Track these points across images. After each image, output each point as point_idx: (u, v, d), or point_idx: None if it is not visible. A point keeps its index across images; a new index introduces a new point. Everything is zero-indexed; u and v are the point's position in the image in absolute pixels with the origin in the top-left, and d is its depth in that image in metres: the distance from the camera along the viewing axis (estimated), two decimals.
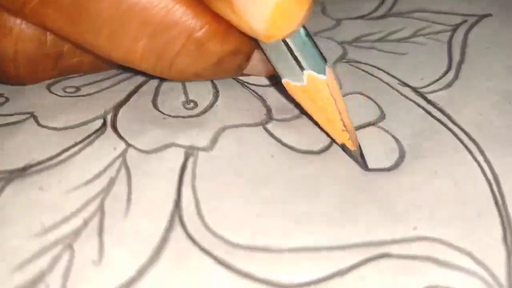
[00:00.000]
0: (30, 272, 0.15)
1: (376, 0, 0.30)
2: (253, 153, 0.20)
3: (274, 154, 0.20)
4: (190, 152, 0.19)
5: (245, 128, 0.21)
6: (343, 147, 0.20)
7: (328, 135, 0.20)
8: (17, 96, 0.22)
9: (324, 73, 0.19)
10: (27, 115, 0.21)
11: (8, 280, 0.15)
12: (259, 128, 0.21)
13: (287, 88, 0.20)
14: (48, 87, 0.23)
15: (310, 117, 0.20)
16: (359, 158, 0.20)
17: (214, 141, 0.20)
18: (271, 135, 0.21)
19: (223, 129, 0.20)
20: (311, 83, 0.19)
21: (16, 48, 0.20)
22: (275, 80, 0.23)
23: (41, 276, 0.15)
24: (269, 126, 0.21)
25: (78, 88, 0.23)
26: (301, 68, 0.19)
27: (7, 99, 0.22)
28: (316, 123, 0.20)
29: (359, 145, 0.20)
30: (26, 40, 0.20)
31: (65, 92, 0.22)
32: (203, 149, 0.20)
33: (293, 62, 0.19)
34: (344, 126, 0.19)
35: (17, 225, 0.16)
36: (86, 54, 0.22)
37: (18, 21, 0.20)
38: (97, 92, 0.22)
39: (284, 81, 0.20)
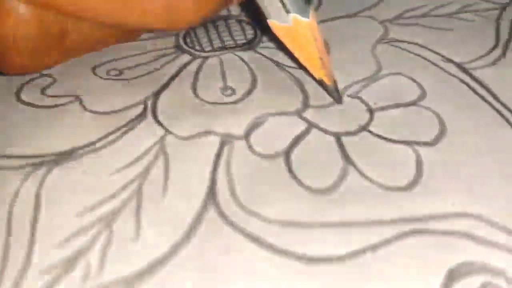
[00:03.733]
0: (72, 248, 0.16)
1: None
2: (287, 140, 0.20)
3: (308, 141, 0.20)
4: (226, 140, 0.20)
5: (282, 116, 0.21)
6: (321, 82, 0.22)
7: (307, 71, 0.22)
8: (63, 77, 0.23)
9: (307, 16, 0.20)
10: (73, 98, 0.22)
11: (51, 255, 0.16)
12: (295, 116, 0.21)
13: (272, 28, 0.21)
14: (93, 69, 0.23)
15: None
16: (334, 92, 0.21)
17: (250, 130, 0.20)
18: (308, 121, 0.21)
19: (259, 118, 0.21)
20: (295, 24, 0.20)
21: (16, 31, 0.19)
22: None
23: (82, 252, 0.16)
24: (306, 113, 0.21)
25: (121, 72, 0.23)
26: (287, 11, 0.20)
27: (54, 80, 0.23)
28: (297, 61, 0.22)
29: (335, 81, 0.21)
30: (27, 21, 0.19)
31: (109, 75, 0.23)
32: (239, 138, 0.20)
33: (280, 5, 0.20)
34: (322, 64, 0.21)
35: (62, 205, 0.17)
36: (91, 29, 0.21)
37: (16, 2, 0.19)
38: (139, 76, 0.23)
39: (270, 21, 0.21)
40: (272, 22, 0.21)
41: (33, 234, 0.17)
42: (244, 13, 0.27)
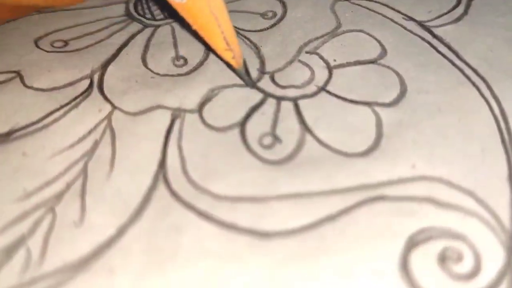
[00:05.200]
0: (11, 236, 0.15)
1: None
2: (241, 112, 0.19)
3: (264, 111, 0.19)
4: (177, 114, 0.19)
5: (235, 88, 0.20)
6: (228, 65, 0.19)
7: (215, 53, 0.20)
8: (3, 50, 0.21)
9: None
10: (13, 74, 0.20)
11: None
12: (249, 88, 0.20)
13: (173, 6, 0.19)
14: (36, 42, 0.22)
15: None
16: (245, 76, 0.19)
17: (203, 103, 0.19)
18: (263, 91, 0.19)
19: (212, 90, 0.20)
20: (191, 0, 0.18)
21: None
22: (270, 24, 0.22)
23: (21, 240, 0.15)
24: (261, 83, 0.20)
25: (66, 43, 0.22)
26: None
27: None
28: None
29: (245, 62, 0.19)
30: None
31: (53, 47, 0.22)
32: (191, 111, 0.19)
33: None
34: (228, 44, 0.18)
35: (0, 190, 0.16)
36: None
37: None
38: (86, 46, 0.22)
39: None
40: None
41: None
42: None
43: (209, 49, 0.20)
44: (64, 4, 0.19)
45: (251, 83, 0.19)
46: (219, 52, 0.19)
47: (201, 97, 0.19)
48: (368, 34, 0.21)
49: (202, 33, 0.19)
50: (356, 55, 0.20)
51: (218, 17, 0.18)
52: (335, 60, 0.20)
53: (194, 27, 0.19)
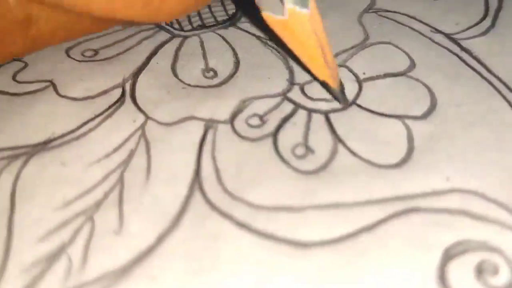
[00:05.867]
0: (52, 243, 0.15)
1: None
2: (273, 122, 0.19)
3: (295, 122, 0.19)
4: (209, 124, 0.19)
5: (266, 99, 0.20)
6: (324, 84, 0.19)
7: (309, 72, 0.20)
8: (36, 60, 0.22)
9: (307, 6, 0.17)
10: (47, 84, 0.21)
11: (31, 250, 0.15)
12: (280, 99, 0.20)
13: (267, 22, 0.18)
14: (67, 51, 0.22)
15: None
16: (340, 96, 0.19)
17: (235, 114, 0.19)
18: (293, 102, 0.20)
19: (244, 101, 0.20)
20: (292, 16, 0.17)
21: None
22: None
23: (63, 247, 0.15)
24: (291, 93, 0.20)
25: (96, 52, 0.22)
26: (282, 1, 0.17)
27: (26, 64, 0.22)
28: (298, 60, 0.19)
29: (341, 82, 0.19)
30: None
31: (84, 56, 0.22)
32: (223, 122, 0.19)
33: None
34: (326, 63, 0.18)
35: (40, 199, 0.17)
36: (59, 18, 0.20)
37: None
38: (116, 55, 0.22)
39: (264, 13, 0.18)
40: (267, 15, 0.18)
41: (10, 230, 0.16)
42: None
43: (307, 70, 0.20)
44: (144, 20, 0.20)
45: (346, 103, 0.19)
46: (316, 71, 0.19)
47: (232, 108, 0.20)
48: (396, 46, 0.21)
49: (299, 51, 0.19)
50: (385, 68, 0.21)
51: (318, 35, 0.18)
52: (364, 73, 0.20)
53: (291, 45, 0.19)
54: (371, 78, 0.20)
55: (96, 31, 0.23)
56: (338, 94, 0.19)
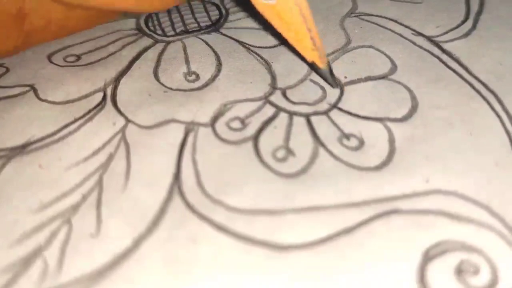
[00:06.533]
0: (27, 246, 0.15)
1: None
2: (254, 126, 0.19)
3: (276, 125, 0.19)
4: (190, 127, 0.19)
5: (247, 102, 0.20)
6: (312, 66, 0.20)
7: (298, 53, 0.20)
8: (17, 66, 0.22)
9: None
10: (27, 88, 0.21)
11: (6, 254, 0.15)
12: (262, 102, 0.20)
13: (255, 6, 0.19)
14: (49, 57, 0.22)
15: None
16: (329, 76, 0.20)
17: (215, 117, 0.19)
18: (275, 106, 0.20)
19: (225, 104, 0.20)
20: (280, 1, 0.18)
21: None
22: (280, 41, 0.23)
23: (38, 251, 0.15)
24: (273, 97, 0.20)
25: (79, 57, 0.22)
26: None
27: (7, 70, 0.22)
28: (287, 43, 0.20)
29: (329, 62, 0.20)
30: None
31: (66, 61, 0.22)
32: (204, 125, 0.19)
33: None
34: (314, 45, 0.19)
35: (16, 202, 0.16)
36: (52, 11, 0.20)
37: None
38: (98, 60, 0.22)
39: None
40: (255, 0, 0.19)
41: None
42: None
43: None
44: (152, 9, 0.19)
45: (335, 83, 0.20)
46: (305, 52, 0.20)
47: (213, 111, 0.19)
48: (378, 50, 0.21)
49: (288, 34, 0.20)
50: (366, 71, 0.21)
51: (306, 18, 0.18)
52: (346, 77, 0.20)
53: (279, 28, 0.20)
54: (353, 82, 0.20)
55: (90, 26, 0.23)
56: (326, 75, 0.20)
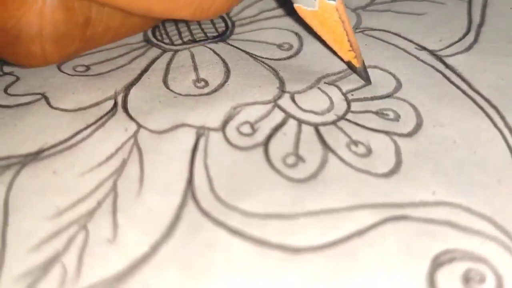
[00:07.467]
0: (45, 253, 0.15)
1: None
2: (264, 131, 0.19)
3: (286, 132, 0.19)
4: (201, 132, 0.19)
5: (257, 106, 0.20)
6: (349, 64, 0.22)
7: (336, 54, 0.22)
8: (27, 75, 0.22)
9: None
10: (39, 96, 0.21)
11: (24, 260, 0.15)
12: (271, 106, 0.20)
13: (298, 12, 0.21)
14: (58, 66, 0.22)
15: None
16: (364, 74, 0.22)
17: (226, 121, 0.20)
18: (283, 110, 0.20)
19: (234, 108, 0.20)
20: (322, 8, 0.20)
21: (42, 21, 0.18)
22: (288, 55, 0.23)
23: (56, 256, 0.15)
24: (282, 101, 0.21)
25: (88, 67, 0.22)
26: None
27: (17, 78, 0.22)
28: (325, 44, 0.22)
29: (363, 62, 0.21)
30: (53, 10, 0.18)
31: (75, 71, 0.22)
32: (215, 129, 0.19)
33: None
34: (351, 46, 0.21)
35: (32, 208, 0.17)
36: (112, 19, 0.21)
37: None
38: (108, 71, 0.22)
39: (296, 5, 0.21)
40: (298, 6, 0.21)
41: (3, 240, 0.16)
42: None
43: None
44: (195, 18, 0.21)
45: (369, 81, 0.22)
46: (342, 53, 0.22)
47: (224, 114, 0.20)
48: (383, 69, 0.22)
49: (328, 36, 0.22)
50: (372, 92, 0.21)
51: (344, 22, 0.21)
52: (352, 95, 0.21)
53: (320, 32, 0.22)
54: (359, 99, 0.21)
55: (139, 31, 0.24)
56: (361, 72, 0.22)
